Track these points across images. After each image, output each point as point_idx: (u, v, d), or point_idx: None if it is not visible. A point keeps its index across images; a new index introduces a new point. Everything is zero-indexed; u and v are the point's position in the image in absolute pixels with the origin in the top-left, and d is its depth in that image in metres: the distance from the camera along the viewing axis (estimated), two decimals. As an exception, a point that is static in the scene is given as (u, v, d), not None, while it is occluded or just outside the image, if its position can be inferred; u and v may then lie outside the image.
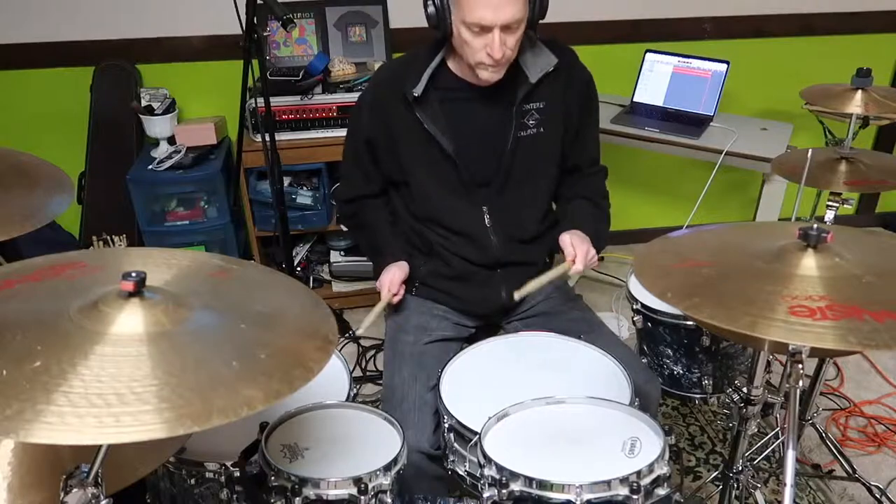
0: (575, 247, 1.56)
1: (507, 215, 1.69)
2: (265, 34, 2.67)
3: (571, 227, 1.64)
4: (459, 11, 1.47)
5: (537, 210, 1.73)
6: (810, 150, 1.70)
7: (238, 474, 1.24)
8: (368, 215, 1.80)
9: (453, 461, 1.36)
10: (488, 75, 1.54)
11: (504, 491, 1.14)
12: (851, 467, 1.99)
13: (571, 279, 3.05)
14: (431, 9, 1.51)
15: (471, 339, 1.77)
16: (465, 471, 1.34)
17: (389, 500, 1.17)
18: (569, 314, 1.74)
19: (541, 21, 1.57)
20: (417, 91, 1.57)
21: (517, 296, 1.59)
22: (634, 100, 2.79)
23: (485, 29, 1.46)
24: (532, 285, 1.57)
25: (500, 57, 1.48)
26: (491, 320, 1.81)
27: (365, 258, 2.82)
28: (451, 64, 1.63)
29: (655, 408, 1.66)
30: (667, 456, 1.18)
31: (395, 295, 1.69)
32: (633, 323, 1.81)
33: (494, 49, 1.47)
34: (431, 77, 1.60)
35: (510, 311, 1.78)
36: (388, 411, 1.52)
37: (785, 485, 1.09)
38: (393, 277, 1.69)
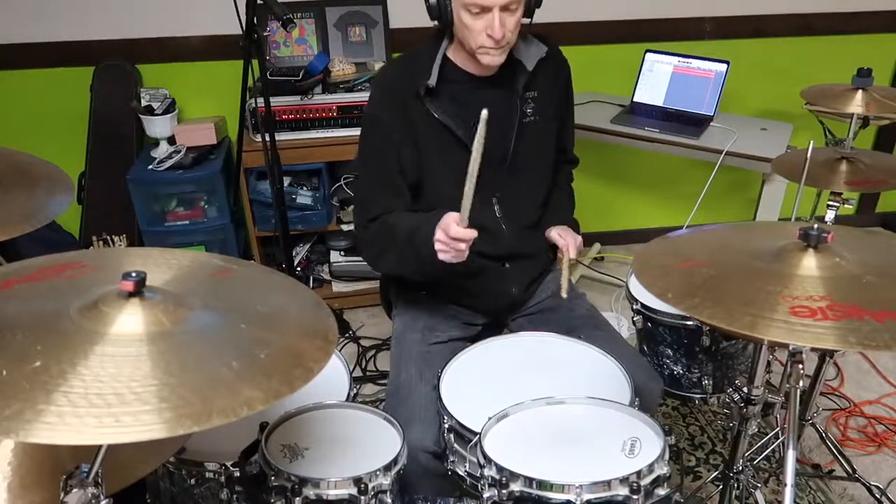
0: (564, 238, 1.73)
1: (514, 203, 1.73)
2: (265, 34, 2.67)
3: (553, 221, 1.79)
4: None
5: (538, 196, 1.78)
6: (811, 142, 1.70)
7: (238, 474, 1.24)
8: (389, 220, 1.61)
9: (453, 461, 1.36)
10: (490, 59, 1.57)
11: (504, 491, 1.14)
12: (851, 467, 1.99)
13: (574, 273, 3.05)
14: None
15: (475, 338, 1.77)
16: (465, 471, 1.34)
17: (389, 500, 1.17)
18: (573, 310, 1.77)
19: (538, 13, 1.61)
20: (432, 82, 1.59)
21: (564, 294, 1.62)
22: (634, 100, 2.79)
23: (485, 10, 1.49)
24: (565, 281, 1.64)
25: (501, 37, 1.51)
26: (499, 317, 1.82)
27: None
28: (452, 56, 1.65)
29: (655, 405, 1.66)
30: (667, 456, 1.18)
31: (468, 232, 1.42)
32: (633, 323, 1.81)
33: (495, 29, 1.50)
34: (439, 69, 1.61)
35: (518, 306, 1.80)
36: (393, 409, 1.52)
37: (785, 485, 1.10)
38: (453, 219, 1.42)
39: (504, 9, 1.49)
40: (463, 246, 1.43)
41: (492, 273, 1.73)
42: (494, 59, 1.57)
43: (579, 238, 1.75)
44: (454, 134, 1.63)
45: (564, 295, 1.61)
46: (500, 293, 1.75)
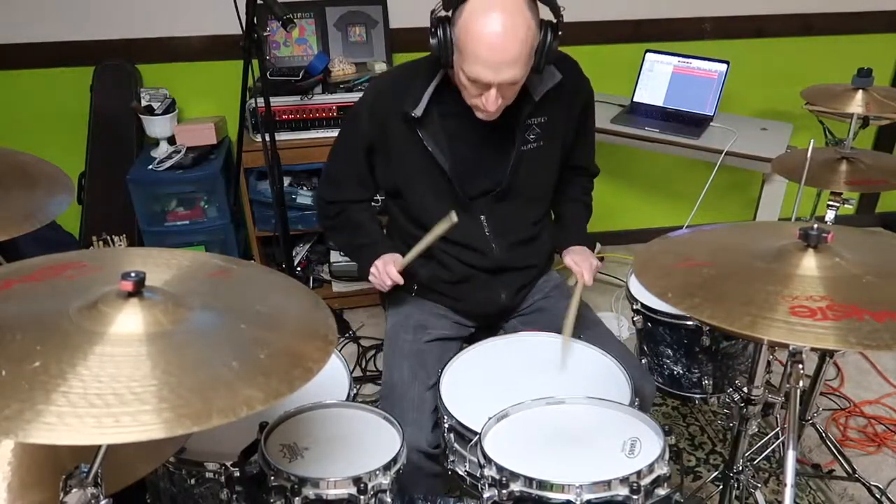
0: (580, 265, 1.67)
1: (506, 221, 1.69)
2: (265, 34, 2.67)
3: (569, 240, 1.77)
4: (460, 58, 1.41)
5: (535, 213, 1.74)
6: (812, 141, 1.70)
7: (238, 474, 1.24)
8: (354, 215, 1.74)
9: (453, 461, 1.36)
10: (483, 117, 1.51)
11: (504, 491, 1.14)
12: (851, 467, 1.99)
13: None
14: (434, 42, 1.43)
15: (471, 339, 1.77)
16: (465, 471, 1.34)
17: (389, 500, 1.17)
18: (565, 311, 1.74)
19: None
20: (418, 112, 1.53)
21: (566, 338, 1.55)
22: (634, 100, 2.80)
23: (482, 84, 1.42)
24: (568, 323, 1.56)
25: (495, 111, 1.46)
26: (490, 321, 1.81)
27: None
28: (454, 81, 1.58)
29: (649, 406, 1.66)
30: (667, 456, 1.18)
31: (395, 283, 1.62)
32: (633, 323, 1.81)
33: (489, 104, 1.44)
34: (433, 93, 1.55)
35: (509, 311, 1.79)
36: (386, 409, 1.52)
37: (785, 485, 1.09)
38: (396, 259, 1.62)
39: (503, 85, 1.41)
40: (389, 283, 1.61)
41: (481, 281, 1.71)
42: (487, 118, 1.51)
43: (596, 262, 1.69)
44: (437, 162, 1.59)
45: (567, 335, 1.54)
46: (489, 300, 1.73)
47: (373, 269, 1.64)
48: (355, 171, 1.70)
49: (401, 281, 1.61)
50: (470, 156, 1.61)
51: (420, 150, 1.59)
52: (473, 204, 1.66)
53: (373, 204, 1.81)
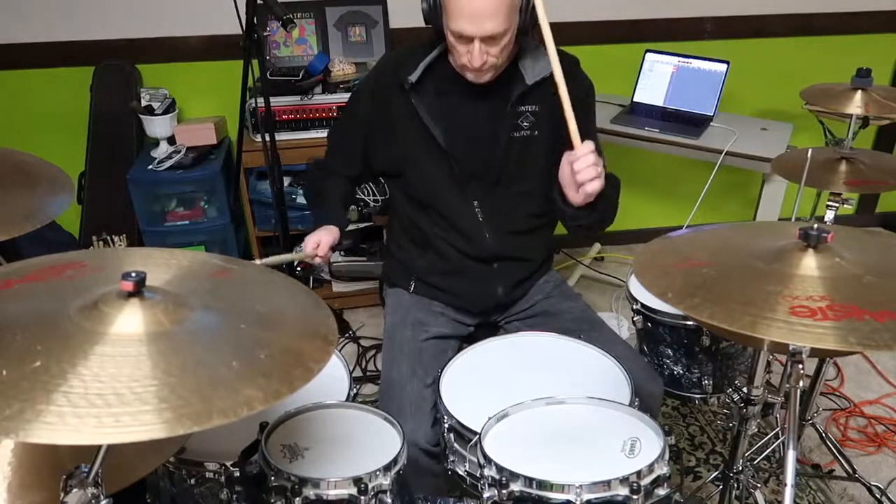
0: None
1: (499, 211, 1.70)
2: (265, 34, 2.67)
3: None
4: (446, 17, 1.50)
5: (530, 207, 1.73)
6: (810, 150, 1.71)
7: (238, 474, 1.24)
8: (328, 181, 1.83)
9: (453, 461, 1.36)
10: (472, 78, 1.57)
11: (504, 491, 1.14)
12: (851, 467, 1.99)
13: (574, 274, 3.05)
14: (425, 6, 1.56)
15: (470, 339, 1.77)
16: (465, 471, 1.34)
17: (389, 500, 1.17)
18: (569, 313, 1.75)
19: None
20: (413, 78, 1.60)
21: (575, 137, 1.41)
22: (634, 100, 2.79)
23: (466, 38, 1.48)
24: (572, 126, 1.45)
25: (480, 66, 1.51)
26: (489, 317, 1.81)
27: (365, 258, 2.84)
28: (449, 57, 1.64)
29: (658, 406, 1.66)
30: (667, 456, 1.18)
31: (316, 256, 1.71)
32: (633, 323, 1.81)
33: (474, 58, 1.50)
34: (429, 67, 1.62)
35: (507, 307, 1.79)
36: (385, 405, 1.53)
37: (785, 485, 1.09)
38: (320, 239, 1.71)
39: (487, 39, 1.48)
40: (311, 254, 1.72)
41: (477, 272, 1.72)
42: (477, 79, 1.57)
43: (600, 162, 1.49)
44: (432, 134, 1.63)
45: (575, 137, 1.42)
46: (486, 293, 1.74)
47: (306, 239, 1.73)
48: (345, 148, 1.78)
49: (320, 259, 1.72)
50: (463, 133, 1.65)
51: (417, 123, 1.63)
52: (466, 189, 1.68)
53: (368, 199, 1.93)
